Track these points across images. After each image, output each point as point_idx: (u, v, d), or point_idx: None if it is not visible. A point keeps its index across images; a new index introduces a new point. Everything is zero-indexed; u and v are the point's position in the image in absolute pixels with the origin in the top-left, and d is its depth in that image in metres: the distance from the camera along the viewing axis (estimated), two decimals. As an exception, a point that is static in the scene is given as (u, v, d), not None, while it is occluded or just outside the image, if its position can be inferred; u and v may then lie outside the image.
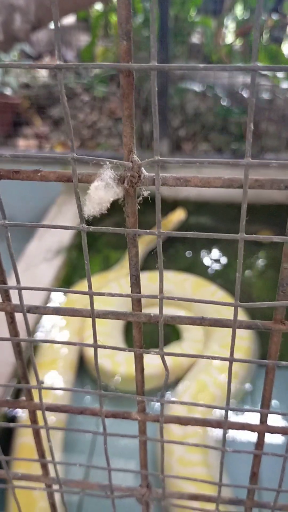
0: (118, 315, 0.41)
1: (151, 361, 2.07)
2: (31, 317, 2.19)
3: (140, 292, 0.41)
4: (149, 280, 2.53)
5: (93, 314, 0.40)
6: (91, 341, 2.08)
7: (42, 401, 0.46)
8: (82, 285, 2.50)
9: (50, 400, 1.87)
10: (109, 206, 0.38)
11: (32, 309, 0.44)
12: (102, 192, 0.35)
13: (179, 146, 3.44)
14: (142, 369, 0.45)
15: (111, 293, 0.42)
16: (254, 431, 0.47)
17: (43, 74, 4.47)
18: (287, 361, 0.42)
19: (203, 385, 1.87)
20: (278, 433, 0.47)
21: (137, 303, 0.41)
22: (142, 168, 0.36)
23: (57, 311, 0.43)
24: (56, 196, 3.29)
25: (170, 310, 2.44)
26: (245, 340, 2.10)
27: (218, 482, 0.49)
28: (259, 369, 2.20)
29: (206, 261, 3.02)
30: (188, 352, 2.13)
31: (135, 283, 0.39)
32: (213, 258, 3.01)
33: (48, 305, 2.34)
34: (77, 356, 2.15)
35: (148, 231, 0.40)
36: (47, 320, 2.25)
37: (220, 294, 2.41)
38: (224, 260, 2.96)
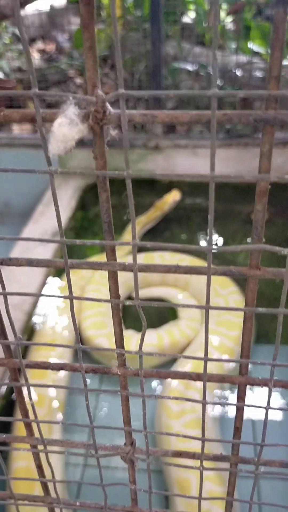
0: (92, 265, 0.41)
1: (148, 339, 2.09)
2: (28, 300, 2.19)
3: (113, 240, 0.41)
4: (145, 260, 2.53)
5: (67, 264, 0.40)
6: (89, 322, 2.08)
7: (21, 358, 0.46)
8: (77, 271, 2.49)
9: (50, 381, 1.89)
10: (74, 145, 0.38)
11: (5, 261, 0.44)
12: (66, 129, 0.35)
13: (172, 127, 3.42)
14: (120, 321, 0.46)
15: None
16: (234, 383, 0.47)
17: (35, 57, 4.44)
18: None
19: (199, 363, 1.88)
20: (258, 384, 0.46)
21: (110, 252, 0.41)
22: (108, 104, 0.36)
23: (30, 262, 0.43)
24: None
25: (166, 290, 2.45)
26: (240, 317, 2.11)
27: (202, 437, 0.49)
28: (255, 347, 2.21)
29: (202, 242, 3.02)
30: (185, 331, 2.14)
31: (108, 231, 0.39)
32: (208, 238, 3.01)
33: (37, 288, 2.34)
34: (75, 337, 2.16)
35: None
36: (45, 303, 2.26)
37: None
38: (220, 241, 2.96)
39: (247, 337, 0.45)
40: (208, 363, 1.51)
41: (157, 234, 3.00)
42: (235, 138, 3.19)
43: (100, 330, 2.09)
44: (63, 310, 2.22)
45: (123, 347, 0.47)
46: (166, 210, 2.97)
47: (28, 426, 0.57)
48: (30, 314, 2.14)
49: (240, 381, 0.47)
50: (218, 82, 3.39)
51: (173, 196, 2.99)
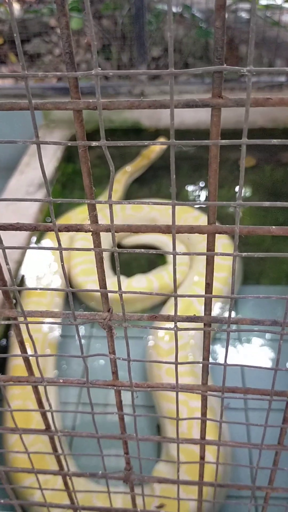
0: (57, 104, 0.39)
1: (138, 284, 2.15)
2: (16, 253, 2.23)
3: (76, 71, 0.38)
4: (133, 210, 2.56)
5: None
6: (78, 269, 2.12)
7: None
8: (67, 217, 2.52)
9: (47, 326, 1.95)
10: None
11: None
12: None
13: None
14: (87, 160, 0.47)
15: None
16: (203, 233, 0.45)
17: (16, 8, 4.28)
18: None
19: (188, 303, 1.95)
20: (226, 232, 0.44)
21: (74, 89, 0.38)
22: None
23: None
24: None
25: (154, 237, 2.48)
26: (227, 260, 2.17)
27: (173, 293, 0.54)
28: (243, 288, 2.28)
29: (190, 189, 3.04)
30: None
31: (70, 63, 0.37)
32: (196, 186, 3.03)
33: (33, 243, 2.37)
34: (65, 284, 2.22)
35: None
36: (34, 252, 2.30)
37: (203, 219, 2.45)
38: (206, 189, 2.98)
39: (214, 180, 0.44)
40: (196, 303, 1.56)
41: (144, 183, 3.01)
42: (224, 83, 3.15)
43: (90, 277, 2.14)
44: (51, 260, 2.26)
45: (93, 199, 0.50)
46: (153, 159, 2.97)
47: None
48: (20, 262, 2.18)
49: (209, 229, 0.45)
50: (203, 24, 3.32)
51: (160, 145, 2.98)
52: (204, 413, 0.59)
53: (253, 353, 2.01)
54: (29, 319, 0.51)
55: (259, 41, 3.68)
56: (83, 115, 0.41)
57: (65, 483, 0.75)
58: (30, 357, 0.57)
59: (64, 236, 2.41)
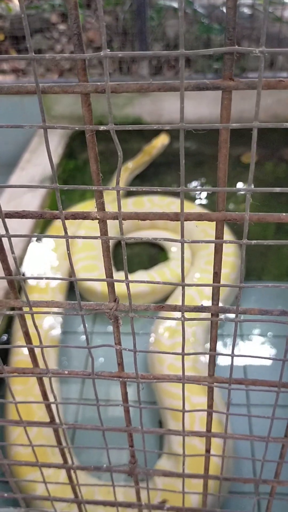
0: (65, 87, 0.39)
1: (140, 279, 2.14)
2: (18, 245, 2.22)
3: (84, 53, 0.37)
4: (134, 205, 2.55)
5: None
6: (80, 265, 2.12)
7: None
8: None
9: (46, 320, 1.95)
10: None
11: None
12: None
13: (159, 69, 3.36)
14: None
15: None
16: (212, 220, 0.44)
17: (16, 4, 4.27)
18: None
19: (190, 298, 1.94)
20: (235, 220, 0.43)
21: (82, 71, 0.38)
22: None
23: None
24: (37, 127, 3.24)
25: (156, 233, 2.48)
26: (230, 256, 2.16)
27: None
28: (244, 283, 2.27)
29: (192, 185, 3.03)
30: (175, 270, 2.19)
31: (78, 44, 0.36)
32: (198, 183, 3.02)
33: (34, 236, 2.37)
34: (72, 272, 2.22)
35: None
36: (35, 246, 2.29)
37: (205, 215, 2.45)
38: (210, 185, 2.97)
39: (223, 167, 0.43)
40: (198, 298, 1.56)
41: (146, 179, 3.00)
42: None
43: (92, 273, 2.13)
44: (53, 257, 2.26)
45: (100, 183, 0.49)
46: (155, 155, 2.96)
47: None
48: (21, 259, 2.17)
49: (217, 216, 0.43)
50: (205, 20, 3.31)
51: (162, 140, 2.97)
52: (210, 405, 0.58)
53: (255, 349, 2.01)
54: (34, 309, 0.51)
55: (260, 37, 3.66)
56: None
57: (69, 477, 0.74)
58: (36, 349, 0.56)
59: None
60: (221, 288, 1.72)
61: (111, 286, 0.49)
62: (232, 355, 0.50)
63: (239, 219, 0.41)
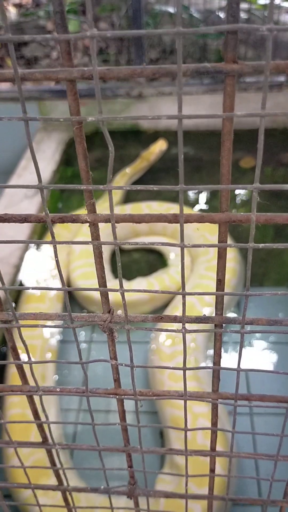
0: (47, 73, 0.34)
1: (138, 287, 2.10)
2: (15, 253, 2.18)
3: (68, 33, 0.33)
4: (132, 210, 2.52)
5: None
6: (78, 273, 2.08)
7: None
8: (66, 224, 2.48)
9: (40, 332, 1.91)
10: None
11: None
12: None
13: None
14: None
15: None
16: (214, 222, 0.41)
17: (11, 11, 4.25)
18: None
19: (190, 306, 1.90)
20: (240, 221, 0.40)
21: (67, 55, 0.34)
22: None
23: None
24: (34, 133, 3.21)
25: (153, 238, 2.44)
26: (230, 262, 2.12)
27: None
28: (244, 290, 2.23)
29: (191, 191, 2.99)
30: (175, 277, 2.15)
31: (61, 24, 0.32)
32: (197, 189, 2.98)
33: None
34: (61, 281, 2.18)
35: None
36: (33, 254, 2.25)
37: (204, 221, 2.41)
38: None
39: (227, 160, 0.40)
40: (198, 305, 1.51)
41: (145, 184, 2.97)
42: (220, 83, 3.11)
43: (89, 281, 2.09)
44: (51, 266, 2.21)
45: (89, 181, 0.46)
46: (153, 161, 2.92)
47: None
48: (18, 267, 2.13)
49: (220, 218, 0.41)
50: (201, 25, 3.29)
51: (160, 146, 2.94)
52: (214, 423, 0.54)
53: (256, 357, 1.96)
54: (22, 322, 0.47)
55: (258, 41, 3.65)
56: (82, 113, 0.36)
57: (65, 499, 0.70)
58: (24, 365, 0.52)
59: (62, 239, 2.37)
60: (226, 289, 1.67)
61: (104, 296, 0.44)
62: (238, 369, 0.45)
63: (245, 220, 0.37)
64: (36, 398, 0.59)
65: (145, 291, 0.42)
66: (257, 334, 2.03)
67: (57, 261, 0.39)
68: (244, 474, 1.61)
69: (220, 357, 0.47)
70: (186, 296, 1.55)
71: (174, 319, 0.44)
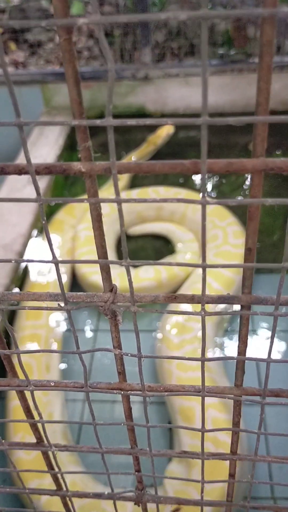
0: None
1: (145, 274, 2.02)
2: (18, 240, 2.11)
3: None
4: (139, 195, 2.44)
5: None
6: (82, 259, 2.00)
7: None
8: (70, 207, 2.40)
9: (44, 321, 1.84)
10: None
11: None
12: None
13: (162, 56, 3.23)
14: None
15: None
16: (246, 171, 0.32)
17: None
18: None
19: (199, 292, 1.82)
20: (282, 169, 0.30)
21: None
22: None
23: None
24: (37, 118, 3.12)
25: (161, 225, 2.36)
26: (239, 248, 2.04)
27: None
28: (256, 277, 2.14)
29: (198, 177, 2.90)
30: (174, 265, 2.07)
31: None
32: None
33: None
34: (70, 275, 2.10)
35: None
36: (36, 241, 2.18)
37: (212, 206, 2.31)
38: (216, 175, 2.84)
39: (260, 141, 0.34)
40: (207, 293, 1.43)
41: (150, 171, 2.88)
42: (229, 64, 3.01)
43: (95, 267, 2.01)
44: (57, 254, 2.14)
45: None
46: (159, 145, 2.83)
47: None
48: (21, 254, 2.05)
49: (254, 165, 0.31)
50: (209, 5, 3.17)
51: (166, 130, 2.85)
52: (236, 423, 0.46)
53: (264, 345, 1.87)
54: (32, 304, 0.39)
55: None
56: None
57: (64, 504, 0.62)
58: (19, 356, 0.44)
59: (67, 225, 2.29)
60: (230, 282, 1.59)
61: (105, 270, 0.36)
62: (269, 360, 0.37)
63: (286, 168, 0.28)
64: (35, 395, 0.51)
65: (155, 263, 0.34)
66: (263, 322, 1.94)
67: (44, 225, 0.31)
68: (256, 470, 1.54)
69: (246, 345, 0.39)
70: (193, 282, 1.46)
71: (192, 299, 0.36)
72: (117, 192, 0.30)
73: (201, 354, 0.38)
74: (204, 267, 0.32)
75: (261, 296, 0.35)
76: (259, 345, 1.87)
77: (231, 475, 0.53)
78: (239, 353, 0.39)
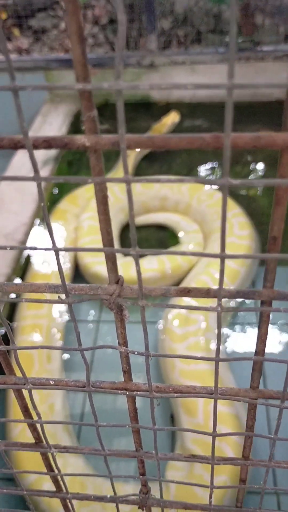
0: None
1: (149, 265, 1.98)
2: (20, 229, 2.07)
3: None
4: (143, 187, 2.39)
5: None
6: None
7: None
8: (74, 195, 2.36)
9: (46, 311, 1.81)
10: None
11: None
12: None
13: (168, 43, 3.17)
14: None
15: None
16: (276, 146, 0.28)
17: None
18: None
19: (203, 285, 1.78)
20: None
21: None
22: None
23: None
24: (40, 106, 3.07)
25: (165, 215, 2.33)
26: (245, 239, 2.00)
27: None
28: (260, 269, 2.11)
29: (204, 167, 2.86)
30: (187, 256, 2.02)
31: None
32: (210, 164, 2.84)
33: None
34: (72, 266, 2.06)
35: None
36: (38, 230, 2.15)
37: (217, 196, 2.27)
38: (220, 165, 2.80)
39: None
40: (211, 284, 1.40)
41: (154, 160, 2.83)
42: (236, 53, 2.95)
43: (98, 258, 1.98)
44: (60, 243, 2.10)
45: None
46: (164, 133, 2.78)
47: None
48: (23, 243, 2.02)
49: (284, 139, 0.30)
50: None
51: (172, 118, 2.80)
52: (250, 426, 0.43)
53: (270, 337, 1.83)
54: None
55: (274, 10, 3.46)
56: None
57: (64, 506, 0.59)
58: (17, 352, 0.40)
59: (70, 214, 2.25)
60: (235, 274, 1.55)
61: (111, 260, 0.33)
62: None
63: None
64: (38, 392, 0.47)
65: (168, 252, 0.30)
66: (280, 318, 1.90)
67: (43, 207, 0.27)
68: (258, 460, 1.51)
69: (265, 344, 0.36)
70: (197, 273, 1.41)
71: (207, 293, 0.32)
72: (126, 171, 0.26)
73: (215, 354, 0.35)
74: (222, 257, 0.29)
75: (285, 292, 0.31)
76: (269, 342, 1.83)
77: (242, 481, 0.49)
78: (257, 353, 0.36)
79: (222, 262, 0.29)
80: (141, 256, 2.06)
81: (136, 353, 0.36)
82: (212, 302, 0.33)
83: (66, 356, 1.79)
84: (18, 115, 0.26)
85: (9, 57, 0.23)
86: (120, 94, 0.23)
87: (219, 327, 0.33)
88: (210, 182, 0.27)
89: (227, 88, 0.23)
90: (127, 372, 0.40)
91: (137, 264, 0.30)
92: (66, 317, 1.88)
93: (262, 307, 0.33)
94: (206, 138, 0.26)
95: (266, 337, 0.36)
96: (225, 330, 1.84)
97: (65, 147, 0.26)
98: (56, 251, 0.31)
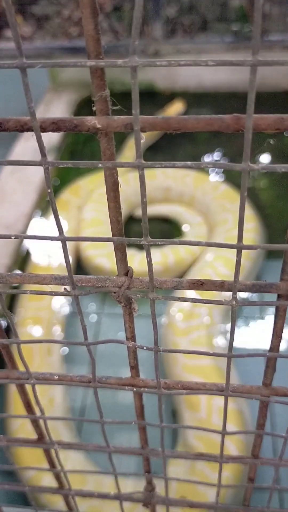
0: None
1: (153, 257, 1.96)
2: (21, 220, 2.06)
3: None
4: (147, 177, 2.37)
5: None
6: (87, 243, 1.94)
7: None
8: (76, 186, 2.34)
9: (46, 303, 1.79)
10: None
11: None
12: None
13: (174, 30, 3.13)
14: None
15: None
16: None
17: None
18: None
19: (207, 277, 1.76)
20: None
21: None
22: None
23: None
24: (43, 94, 3.04)
25: (170, 207, 2.31)
26: (250, 232, 1.98)
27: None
28: (267, 262, 2.09)
29: (208, 157, 2.83)
30: (190, 248, 2.00)
31: None
32: (215, 155, 2.81)
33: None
34: (74, 258, 2.04)
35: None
36: (39, 221, 2.13)
37: (223, 188, 2.25)
38: (226, 158, 2.77)
39: None
40: (215, 277, 1.37)
41: (159, 151, 2.80)
42: (242, 41, 2.91)
43: (100, 250, 1.96)
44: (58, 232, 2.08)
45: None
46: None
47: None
48: (23, 233, 2.00)
49: None
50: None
51: (176, 108, 2.77)
52: (261, 425, 0.41)
53: (266, 333, 1.82)
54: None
55: (283, -1, 3.41)
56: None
57: (67, 503, 0.58)
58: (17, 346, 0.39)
59: (71, 205, 2.23)
60: (241, 267, 1.53)
61: (120, 250, 0.31)
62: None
63: None
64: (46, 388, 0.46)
65: (181, 242, 0.28)
66: (267, 308, 1.88)
67: (50, 193, 0.25)
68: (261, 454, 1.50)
69: (280, 339, 0.34)
70: (201, 267, 1.39)
71: (221, 286, 0.30)
72: (139, 155, 0.25)
73: (228, 350, 0.33)
74: (239, 247, 0.27)
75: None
76: (261, 331, 1.81)
77: (250, 479, 0.48)
78: (271, 349, 0.34)
79: (239, 253, 0.28)
80: (142, 248, 2.04)
81: (145, 348, 0.34)
82: (218, 296, 0.31)
83: (66, 349, 1.77)
84: (26, 94, 0.24)
85: (17, 32, 0.21)
86: (135, 71, 0.21)
87: (233, 321, 0.31)
88: (230, 167, 0.25)
89: (251, 65, 0.21)
90: (135, 367, 0.38)
91: (148, 254, 0.29)
92: (67, 310, 1.86)
93: (279, 301, 0.31)
94: (226, 119, 0.24)
95: (282, 333, 0.34)
96: (227, 325, 1.82)
97: (75, 129, 0.25)
98: (63, 240, 0.29)
